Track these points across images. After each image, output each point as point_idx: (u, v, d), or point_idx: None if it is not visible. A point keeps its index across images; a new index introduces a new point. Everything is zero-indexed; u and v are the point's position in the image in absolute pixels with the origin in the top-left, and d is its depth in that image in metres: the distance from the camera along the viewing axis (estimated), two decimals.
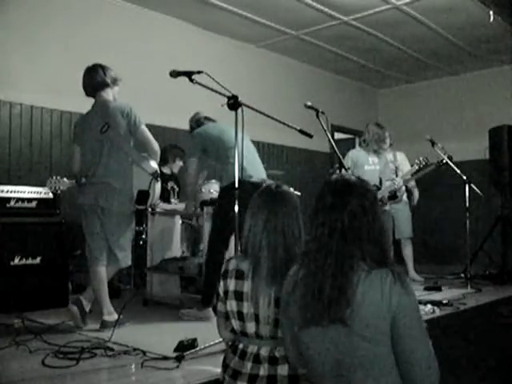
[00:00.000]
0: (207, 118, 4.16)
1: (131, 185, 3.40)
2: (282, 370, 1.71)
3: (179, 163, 5.29)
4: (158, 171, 3.47)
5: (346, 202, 1.53)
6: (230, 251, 3.87)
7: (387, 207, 5.13)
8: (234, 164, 3.25)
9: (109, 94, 3.50)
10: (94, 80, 3.45)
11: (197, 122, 4.13)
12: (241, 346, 1.81)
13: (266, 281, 1.75)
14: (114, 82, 3.51)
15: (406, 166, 5.60)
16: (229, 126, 3.92)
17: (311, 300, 1.52)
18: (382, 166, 5.28)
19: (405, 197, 5.64)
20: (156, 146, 3.46)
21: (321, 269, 1.52)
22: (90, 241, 3.40)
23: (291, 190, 1.91)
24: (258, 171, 3.82)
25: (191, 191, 4.04)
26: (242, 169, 3.58)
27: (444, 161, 5.10)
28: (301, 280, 1.57)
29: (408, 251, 5.63)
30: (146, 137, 3.44)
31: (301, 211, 1.86)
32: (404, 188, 5.57)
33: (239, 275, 1.81)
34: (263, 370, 1.72)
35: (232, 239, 3.84)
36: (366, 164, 5.18)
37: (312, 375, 1.62)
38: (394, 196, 5.47)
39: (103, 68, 3.49)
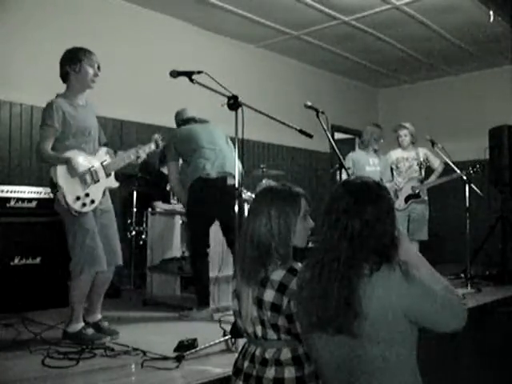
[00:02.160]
0: (191, 119, 4.18)
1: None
2: (269, 372, 1.69)
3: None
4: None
5: (362, 208, 1.49)
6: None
7: (402, 206, 5.15)
8: (193, 164, 3.78)
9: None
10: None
11: (179, 121, 4.25)
12: (246, 345, 1.83)
13: (241, 281, 1.77)
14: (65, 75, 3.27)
15: (434, 159, 5.60)
16: (206, 127, 4.05)
17: (317, 306, 1.49)
18: (383, 167, 5.29)
19: (425, 198, 5.59)
20: (39, 146, 3.09)
21: (327, 274, 1.49)
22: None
23: (284, 187, 1.83)
24: (221, 168, 3.83)
25: (178, 191, 4.08)
26: (202, 168, 3.74)
27: (476, 169, 5.13)
28: (307, 282, 1.55)
29: None
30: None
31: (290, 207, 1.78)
32: (425, 189, 5.57)
33: (236, 275, 1.85)
34: (255, 371, 1.73)
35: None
36: (366, 165, 5.18)
37: (323, 378, 1.63)
38: (416, 195, 5.49)
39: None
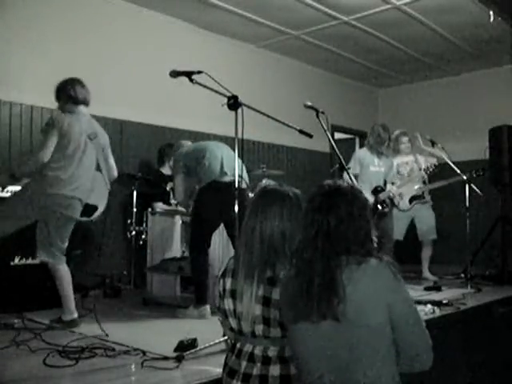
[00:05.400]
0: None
1: None
2: (274, 370, 1.71)
3: None
4: None
5: (334, 206, 1.59)
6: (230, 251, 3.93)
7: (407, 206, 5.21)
8: (207, 168, 3.83)
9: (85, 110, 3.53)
10: (86, 94, 3.49)
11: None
12: (238, 344, 1.82)
13: (244, 279, 1.77)
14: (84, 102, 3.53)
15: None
16: (207, 142, 4.31)
17: (300, 296, 1.56)
18: (387, 169, 5.31)
19: (429, 198, 5.76)
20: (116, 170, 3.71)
21: (308, 266, 1.57)
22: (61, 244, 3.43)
23: (287, 188, 1.87)
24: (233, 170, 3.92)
25: (183, 202, 4.23)
26: (220, 170, 3.81)
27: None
28: (290, 278, 1.62)
29: (427, 253, 5.72)
30: (112, 158, 3.66)
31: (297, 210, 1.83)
32: (428, 190, 5.71)
33: (235, 274, 1.83)
34: (256, 370, 1.73)
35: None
36: (371, 165, 5.20)
37: (306, 374, 1.63)
38: (420, 196, 5.59)
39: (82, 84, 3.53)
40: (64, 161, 3.32)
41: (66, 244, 3.44)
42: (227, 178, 3.78)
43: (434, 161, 5.62)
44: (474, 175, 5.24)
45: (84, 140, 3.40)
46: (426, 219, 5.68)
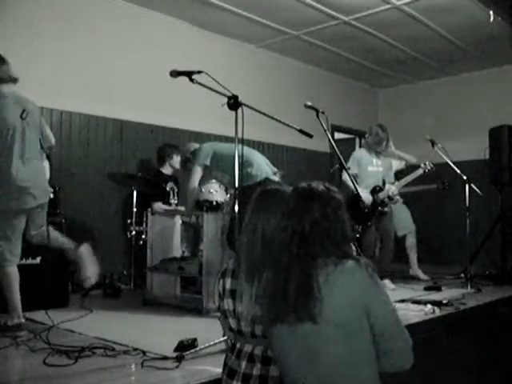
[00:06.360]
0: None
1: None
2: (274, 370, 1.71)
3: (177, 158, 5.28)
4: None
5: (307, 209, 1.60)
6: None
7: (385, 209, 5.19)
8: (258, 167, 3.96)
9: (11, 88, 3.34)
10: (9, 71, 3.33)
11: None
12: (238, 344, 1.82)
13: (245, 279, 1.77)
14: (15, 80, 3.37)
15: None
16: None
17: (276, 299, 1.58)
18: (386, 169, 5.31)
19: (398, 196, 5.75)
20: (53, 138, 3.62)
21: (285, 270, 1.58)
22: (16, 239, 3.32)
23: (287, 188, 1.87)
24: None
25: (191, 198, 4.22)
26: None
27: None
28: (267, 282, 1.64)
29: (411, 244, 5.77)
30: (47, 128, 3.57)
31: None
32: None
33: (235, 274, 1.83)
34: (256, 370, 1.73)
35: None
36: (369, 165, 5.20)
37: (287, 376, 1.64)
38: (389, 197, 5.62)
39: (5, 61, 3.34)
40: (18, 158, 3.23)
41: None
42: (277, 178, 4.04)
43: (402, 164, 5.82)
44: (442, 187, 5.41)
45: (19, 125, 3.26)
46: (399, 214, 5.68)
